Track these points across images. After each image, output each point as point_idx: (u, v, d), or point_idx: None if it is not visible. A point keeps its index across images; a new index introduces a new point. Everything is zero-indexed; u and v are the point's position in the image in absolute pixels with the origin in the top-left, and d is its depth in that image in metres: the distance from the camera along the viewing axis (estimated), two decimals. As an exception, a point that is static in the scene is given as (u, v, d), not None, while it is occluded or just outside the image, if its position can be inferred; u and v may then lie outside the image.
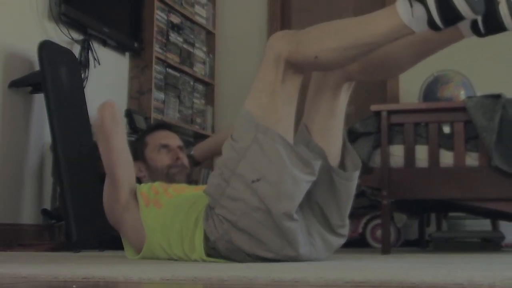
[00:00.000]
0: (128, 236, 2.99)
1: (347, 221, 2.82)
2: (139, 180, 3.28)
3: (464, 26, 2.44)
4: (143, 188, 3.02)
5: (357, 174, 2.77)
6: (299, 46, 2.51)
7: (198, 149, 3.87)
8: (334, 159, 2.74)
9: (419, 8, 2.30)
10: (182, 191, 3.05)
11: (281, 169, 2.50)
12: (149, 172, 3.37)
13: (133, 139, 4.88)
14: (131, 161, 3.05)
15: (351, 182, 2.76)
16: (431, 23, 2.30)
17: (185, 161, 3.42)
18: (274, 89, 2.55)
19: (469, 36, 2.51)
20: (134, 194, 2.98)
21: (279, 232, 2.54)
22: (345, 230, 2.82)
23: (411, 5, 2.31)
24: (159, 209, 2.90)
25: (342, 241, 2.83)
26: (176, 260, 2.80)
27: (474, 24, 2.41)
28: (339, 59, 2.50)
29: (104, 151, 2.98)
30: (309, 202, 2.70)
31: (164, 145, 3.40)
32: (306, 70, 2.65)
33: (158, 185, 3.07)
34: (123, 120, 3.02)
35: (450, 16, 2.27)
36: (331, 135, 2.76)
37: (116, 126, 2.97)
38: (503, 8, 2.31)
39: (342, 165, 2.79)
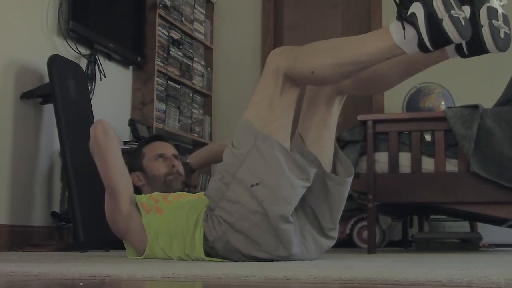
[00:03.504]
0: (133, 241, 2.97)
1: (338, 225, 2.82)
2: (138, 190, 3.26)
3: (450, 48, 2.44)
4: (143, 198, 3.01)
5: (350, 180, 2.77)
6: (297, 61, 2.52)
7: (194, 157, 3.84)
8: (326, 167, 2.75)
9: (411, 31, 2.30)
10: (181, 197, 3.05)
11: (279, 175, 2.50)
12: (147, 180, 3.31)
13: (135, 146, 4.89)
14: (127, 173, 3.03)
15: (344, 187, 2.75)
16: (422, 46, 2.31)
17: (180, 168, 3.37)
18: (272, 100, 2.55)
19: (453, 56, 2.50)
20: (135, 204, 2.96)
21: (274, 234, 2.54)
22: (335, 233, 2.82)
23: (404, 28, 2.32)
24: (160, 215, 2.89)
25: (332, 243, 2.83)
26: (175, 260, 2.80)
27: (458, 46, 2.41)
28: (334, 75, 2.50)
29: (102, 166, 2.95)
30: (303, 206, 2.70)
31: (160, 155, 3.34)
32: (303, 84, 2.66)
33: (157, 194, 3.06)
34: (117, 137, 2.99)
35: (440, 40, 2.27)
36: (324, 144, 2.77)
37: (110, 140, 2.93)
38: (485, 32, 2.32)
39: (334, 172, 2.79)
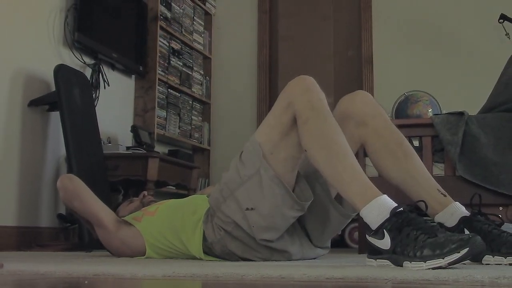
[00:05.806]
0: (132, 249, 2.91)
1: (327, 244, 2.79)
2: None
3: None
4: (130, 215, 3.00)
5: (353, 215, 2.63)
6: (307, 123, 2.32)
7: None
8: (333, 191, 2.62)
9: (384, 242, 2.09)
10: (166, 201, 3.03)
11: (274, 207, 2.44)
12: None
13: (137, 151, 4.89)
14: (104, 205, 3.02)
15: (346, 220, 2.68)
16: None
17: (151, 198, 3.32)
18: (285, 130, 2.42)
19: None
20: (122, 221, 2.95)
21: (267, 246, 2.54)
22: (325, 250, 2.80)
23: (376, 234, 2.10)
24: (153, 216, 2.88)
25: (323, 252, 2.81)
26: (176, 253, 2.79)
27: None
28: (312, 163, 2.34)
29: (80, 206, 2.96)
30: (298, 221, 2.64)
31: (129, 200, 3.32)
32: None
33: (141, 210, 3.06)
34: (83, 183, 3.03)
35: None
36: None
37: (77, 183, 2.98)
38: None
39: (339, 198, 2.62)
